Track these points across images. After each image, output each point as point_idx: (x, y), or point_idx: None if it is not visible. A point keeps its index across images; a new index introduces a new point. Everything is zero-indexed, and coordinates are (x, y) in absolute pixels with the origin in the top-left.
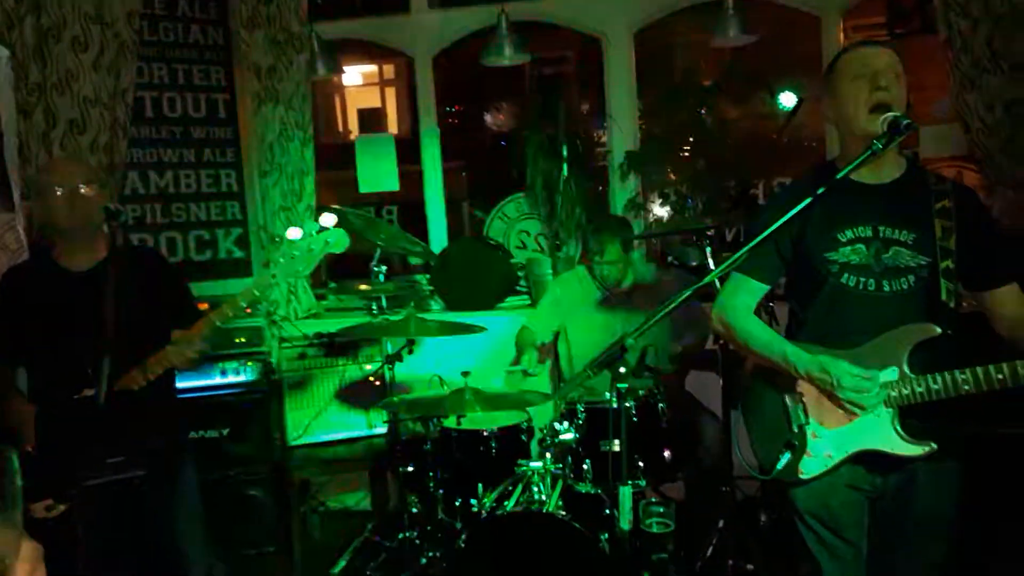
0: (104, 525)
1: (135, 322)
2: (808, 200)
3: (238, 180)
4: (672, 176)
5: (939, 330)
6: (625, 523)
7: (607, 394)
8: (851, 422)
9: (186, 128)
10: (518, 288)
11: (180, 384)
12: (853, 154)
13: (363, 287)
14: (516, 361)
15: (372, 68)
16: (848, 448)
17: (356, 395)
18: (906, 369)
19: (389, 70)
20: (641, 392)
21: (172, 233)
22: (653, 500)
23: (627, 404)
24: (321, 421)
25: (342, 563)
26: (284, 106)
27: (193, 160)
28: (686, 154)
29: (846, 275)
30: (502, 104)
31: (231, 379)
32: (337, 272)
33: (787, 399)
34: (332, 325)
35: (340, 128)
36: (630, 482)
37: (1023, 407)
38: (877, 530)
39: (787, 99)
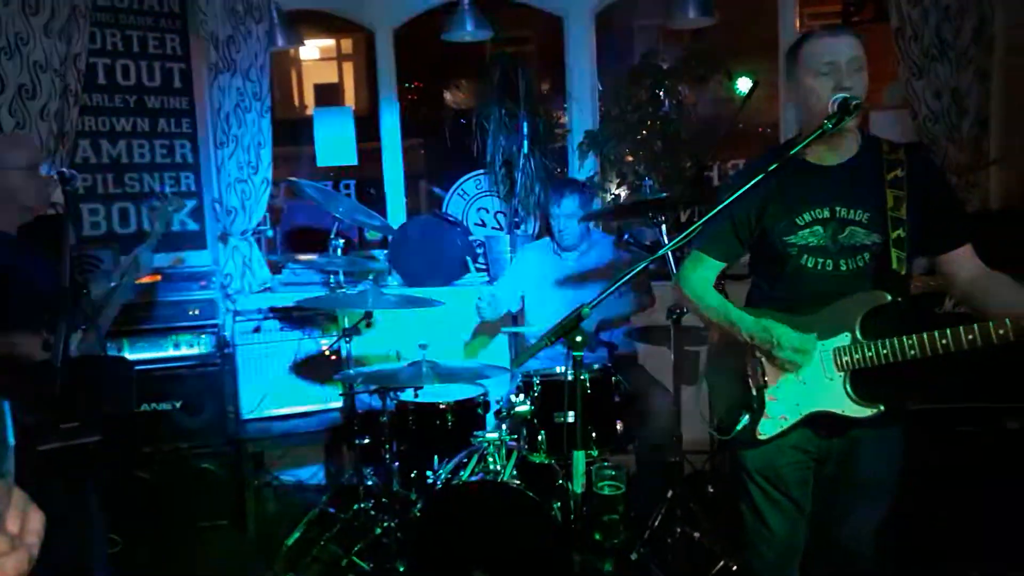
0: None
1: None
2: (760, 176)
3: (193, 151)
4: (630, 157)
5: (889, 297)
6: (578, 486)
7: (560, 367)
8: (804, 385)
9: (140, 97)
10: (476, 266)
11: (133, 356)
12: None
13: (319, 260)
14: None
15: (330, 42)
16: (802, 410)
17: (312, 369)
18: (858, 334)
19: (347, 45)
20: (595, 365)
21: (125, 203)
22: (605, 463)
23: (582, 376)
24: (276, 395)
25: (296, 535)
26: (242, 77)
27: (147, 129)
28: (644, 135)
29: (805, 256)
30: (462, 82)
31: (184, 351)
32: (291, 246)
33: (747, 362)
34: (287, 299)
35: (296, 103)
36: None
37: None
38: (821, 492)
39: (743, 84)
